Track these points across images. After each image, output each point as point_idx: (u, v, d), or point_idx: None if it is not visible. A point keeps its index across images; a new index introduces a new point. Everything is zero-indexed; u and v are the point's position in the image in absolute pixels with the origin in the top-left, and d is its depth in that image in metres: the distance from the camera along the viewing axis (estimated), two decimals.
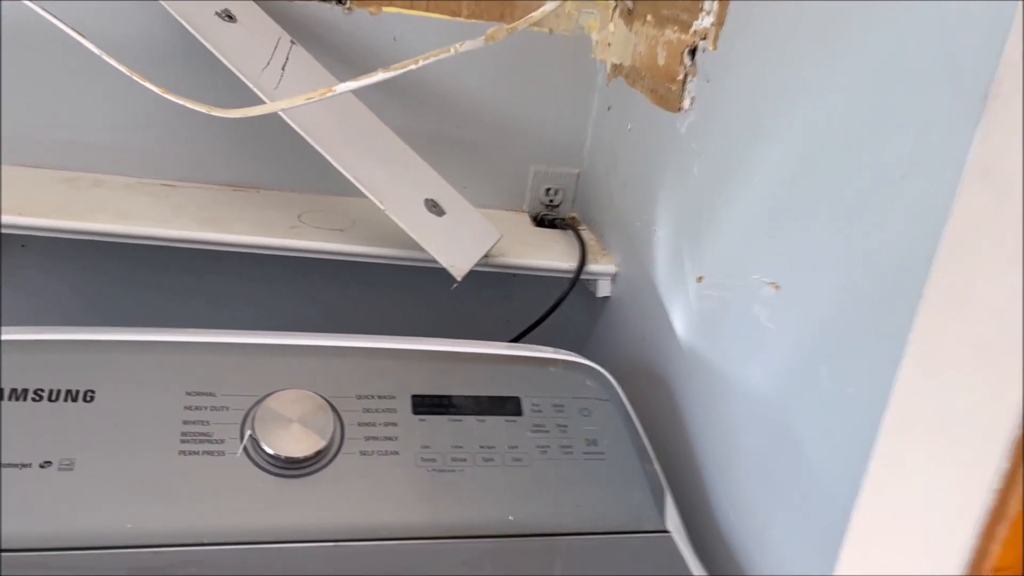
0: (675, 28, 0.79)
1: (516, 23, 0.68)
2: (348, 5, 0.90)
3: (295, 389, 0.60)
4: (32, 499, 0.52)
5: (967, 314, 0.44)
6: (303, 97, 0.68)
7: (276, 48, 0.82)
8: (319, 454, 0.58)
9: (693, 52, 0.76)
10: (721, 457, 0.67)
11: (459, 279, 0.78)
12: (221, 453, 0.57)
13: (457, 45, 0.69)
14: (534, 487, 0.61)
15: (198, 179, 0.93)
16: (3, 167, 0.87)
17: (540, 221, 1.03)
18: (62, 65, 0.86)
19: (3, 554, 0.49)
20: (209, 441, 0.57)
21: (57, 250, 0.91)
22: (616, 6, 0.95)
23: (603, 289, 0.91)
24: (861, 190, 0.51)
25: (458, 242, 0.81)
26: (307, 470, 0.57)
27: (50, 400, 0.56)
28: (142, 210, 0.83)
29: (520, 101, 0.98)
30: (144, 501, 0.54)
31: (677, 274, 0.76)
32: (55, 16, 0.70)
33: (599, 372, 0.69)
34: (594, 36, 0.97)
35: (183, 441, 0.57)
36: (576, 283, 0.88)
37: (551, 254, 0.91)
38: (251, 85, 0.77)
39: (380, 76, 0.68)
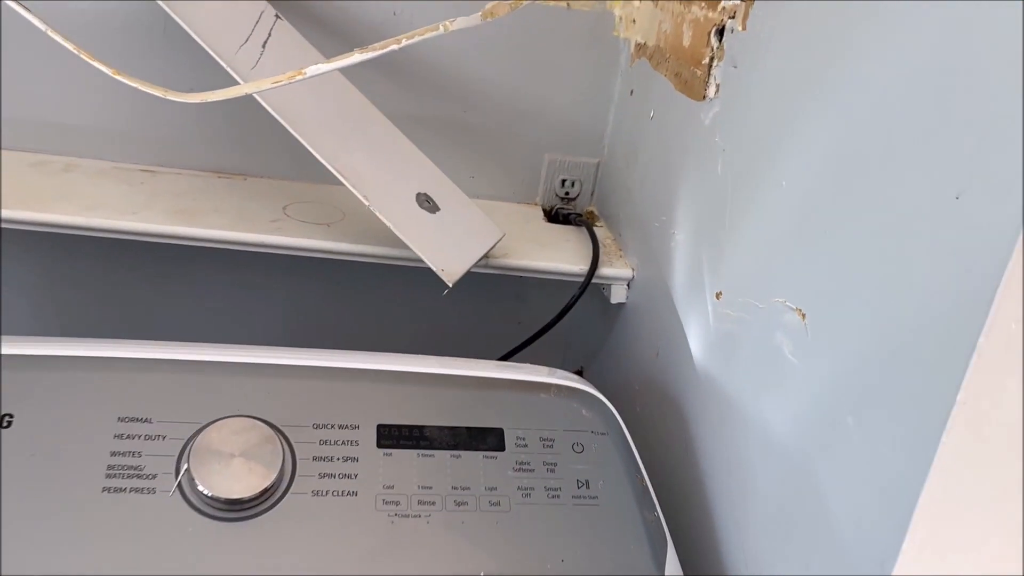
0: (702, 4, 0.69)
1: None
2: None
3: (240, 417, 0.53)
4: None
5: None
6: (269, 80, 0.60)
7: (257, 23, 0.74)
8: (264, 494, 0.50)
9: (721, 33, 0.66)
10: (734, 499, 0.58)
11: (451, 284, 0.70)
12: (152, 491, 0.50)
13: (448, 22, 0.60)
14: (513, 537, 0.53)
15: (179, 164, 0.86)
16: None
17: (554, 216, 0.94)
18: (32, 40, 0.79)
19: None
20: (139, 476, 0.50)
21: (16, 241, 0.85)
22: None
23: (617, 295, 0.82)
24: (908, 208, 0.42)
25: (452, 242, 0.73)
26: (249, 512, 0.50)
27: None
28: (112, 199, 0.76)
29: (534, 83, 0.89)
30: (57, 547, 0.47)
31: (695, 286, 0.66)
32: None
33: (598, 400, 0.61)
34: (617, 11, 0.87)
35: (109, 476, 0.49)
36: (586, 289, 0.79)
37: (561, 255, 0.82)
38: (224, 64, 0.69)
39: (357, 57, 0.60)
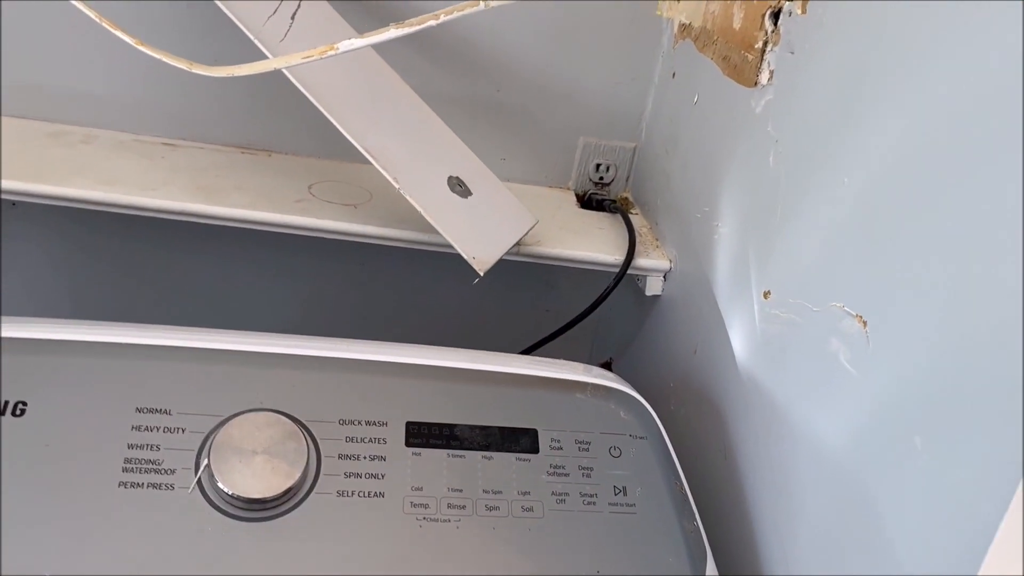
0: None
1: None
2: None
3: (263, 411, 0.50)
4: None
5: None
6: (299, 55, 0.57)
7: None
8: (287, 493, 0.48)
9: (776, 16, 0.62)
10: (779, 516, 0.55)
11: (482, 273, 0.67)
12: (170, 487, 0.47)
13: None
14: (546, 545, 0.50)
15: (203, 138, 0.83)
16: None
17: (587, 201, 0.90)
18: (53, 6, 0.76)
19: None
20: (157, 471, 0.48)
21: (30, 215, 0.82)
22: None
23: (653, 287, 0.79)
24: (986, 209, 0.38)
25: (484, 229, 0.70)
26: (271, 512, 0.48)
27: None
28: (130, 174, 0.73)
29: (570, 62, 0.85)
30: (70, 544, 0.44)
31: (740, 283, 0.63)
32: None
33: (636, 401, 0.58)
34: None
35: (126, 470, 0.47)
36: (621, 280, 0.76)
37: (595, 243, 0.79)
38: (251, 36, 0.66)
39: (392, 33, 0.56)
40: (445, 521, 0.50)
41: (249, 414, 0.50)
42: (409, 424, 0.53)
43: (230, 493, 0.46)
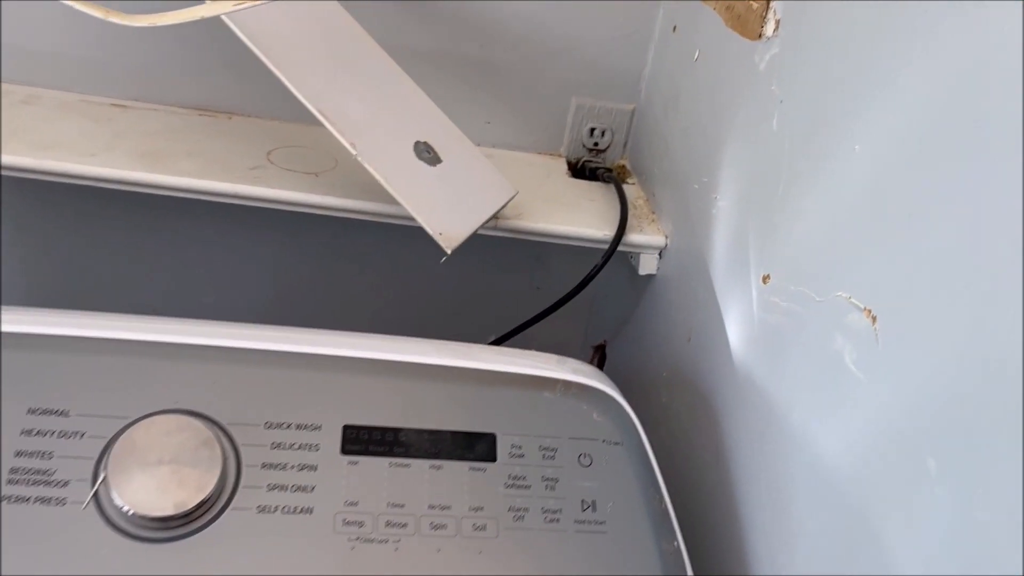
0: None
1: None
2: None
3: (175, 413, 0.44)
4: None
5: None
6: (232, 3, 0.50)
7: None
8: (197, 509, 0.41)
9: None
10: (773, 533, 0.48)
11: (449, 251, 0.60)
12: (62, 502, 0.41)
13: None
14: (498, 569, 0.43)
15: (157, 99, 0.76)
16: None
17: (580, 169, 0.83)
18: None
19: None
20: (48, 483, 0.41)
21: None
22: None
23: (647, 265, 0.72)
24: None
25: (454, 201, 0.63)
26: (178, 532, 0.41)
27: None
28: (70, 138, 0.66)
29: (562, 15, 0.77)
30: None
31: (738, 265, 0.56)
32: None
33: (613, 401, 0.51)
34: None
35: (11, 482, 0.41)
36: (609, 259, 0.69)
37: (583, 217, 0.72)
38: None
39: None
40: (382, 542, 0.43)
41: (158, 416, 0.43)
42: (347, 428, 0.46)
43: (128, 510, 0.40)
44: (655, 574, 0.45)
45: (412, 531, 0.44)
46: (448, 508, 0.45)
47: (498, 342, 0.76)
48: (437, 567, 0.43)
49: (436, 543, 0.43)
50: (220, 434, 0.44)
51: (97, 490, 0.41)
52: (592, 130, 0.82)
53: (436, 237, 0.60)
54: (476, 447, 0.47)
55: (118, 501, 0.40)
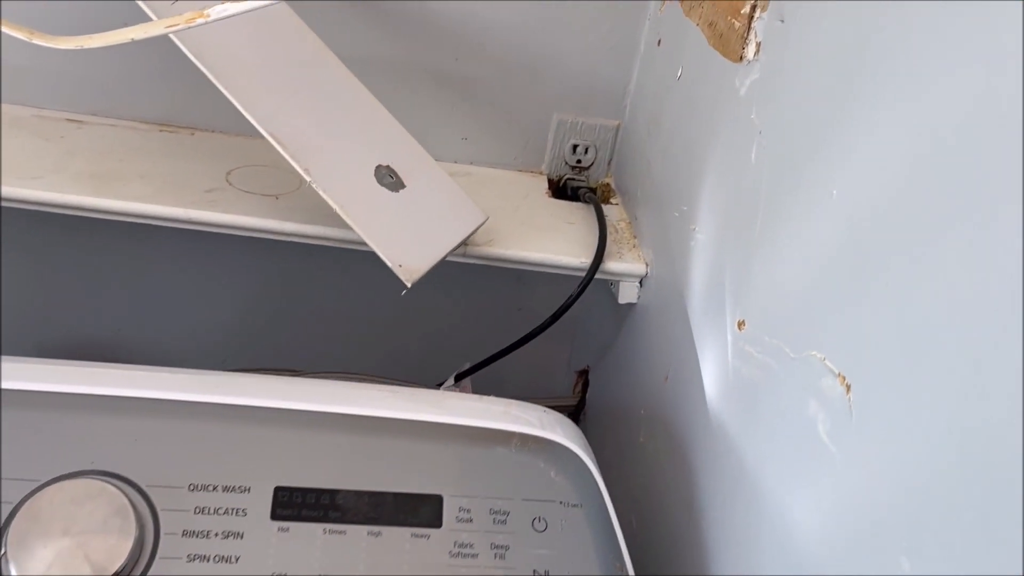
0: None
1: None
2: None
3: (89, 476, 0.40)
4: None
5: None
6: (162, 23, 0.46)
7: None
8: None
9: None
10: None
11: (409, 284, 0.56)
12: None
13: None
14: None
15: (116, 114, 0.73)
16: None
17: (562, 188, 0.79)
18: None
19: None
20: None
21: None
22: None
23: (627, 294, 0.68)
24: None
25: (417, 229, 0.59)
26: None
27: None
28: (17, 158, 0.63)
29: (543, 26, 0.73)
30: None
31: (714, 305, 0.52)
32: None
33: (575, 456, 0.47)
34: None
35: None
36: (586, 288, 0.65)
37: (560, 242, 0.68)
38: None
39: None
40: None
41: (68, 481, 0.40)
42: (278, 490, 0.42)
43: None
44: None
45: None
46: None
47: (476, 369, 0.72)
48: None
49: None
50: (138, 498, 0.40)
51: None
52: (575, 147, 0.78)
53: (396, 269, 0.56)
54: (420, 511, 0.43)
55: None
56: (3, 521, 0.39)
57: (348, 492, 0.43)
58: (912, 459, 0.31)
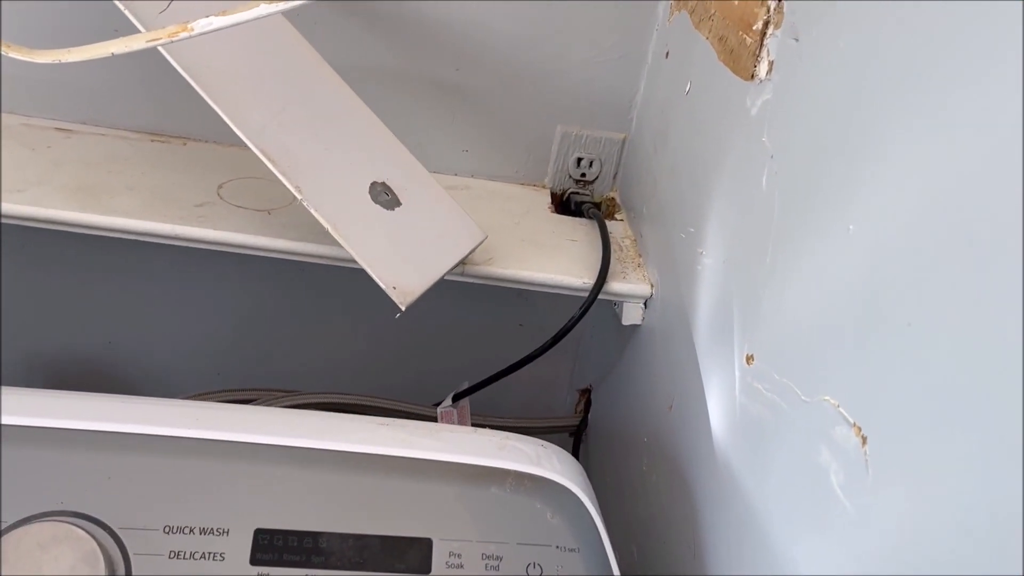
0: None
1: None
2: None
3: (57, 518, 0.38)
4: None
5: None
6: (143, 38, 0.44)
7: None
8: None
9: None
10: None
11: (403, 307, 0.54)
12: None
13: None
14: None
15: (107, 122, 0.70)
16: None
17: (566, 202, 0.76)
18: None
19: None
20: None
21: None
22: None
23: (631, 315, 0.65)
24: None
25: (413, 249, 0.57)
26: None
27: None
28: (2, 169, 0.61)
29: (547, 35, 0.70)
30: None
31: (722, 335, 0.49)
32: None
33: (573, 497, 0.45)
34: None
35: None
36: (588, 309, 0.62)
37: (561, 261, 0.65)
38: (120, 5, 0.53)
39: (263, 8, 0.43)
40: None
41: (35, 524, 0.38)
42: (259, 533, 0.40)
43: None
44: None
45: None
46: None
47: (474, 390, 0.70)
48: None
49: None
50: (110, 541, 0.38)
51: None
52: (579, 160, 0.76)
53: (389, 292, 0.54)
54: (408, 555, 0.41)
55: None
56: None
57: (332, 535, 0.41)
58: (933, 526, 0.29)
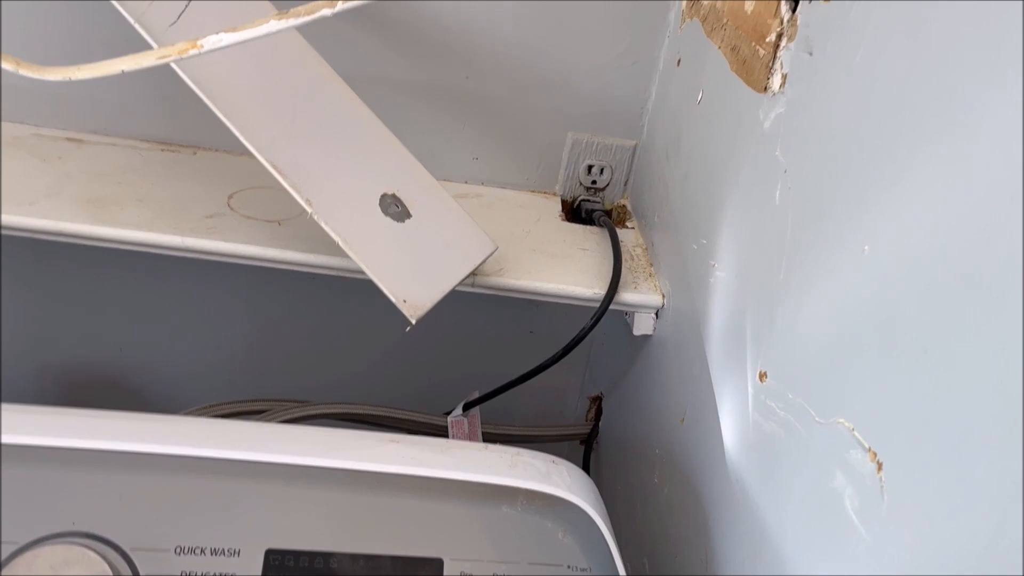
0: None
1: None
2: None
3: (69, 539, 0.38)
4: None
5: None
6: (153, 55, 0.44)
7: None
8: None
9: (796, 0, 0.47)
10: None
11: (413, 321, 0.54)
12: None
13: None
14: None
15: (117, 132, 0.70)
16: None
17: (576, 209, 0.76)
18: None
19: None
20: None
21: None
22: None
23: (642, 325, 0.65)
24: None
25: (423, 261, 0.56)
26: None
27: None
28: (11, 181, 0.61)
29: (557, 41, 0.70)
30: None
31: (734, 350, 0.49)
32: None
33: (584, 515, 0.44)
34: None
35: None
36: (600, 319, 0.62)
37: (572, 271, 0.65)
38: (130, 18, 0.53)
39: (272, 26, 0.43)
40: None
41: (46, 547, 0.38)
42: (270, 553, 0.40)
43: None
44: None
45: None
46: None
47: (485, 399, 0.69)
48: None
49: None
50: (121, 562, 0.38)
51: None
52: (590, 167, 0.75)
53: (400, 305, 0.54)
54: (419, 575, 0.41)
55: None
56: None
57: (343, 555, 0.41)
58: (949, 559, 0.29)
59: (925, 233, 0.32)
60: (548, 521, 0.44)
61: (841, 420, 0.36)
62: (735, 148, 0.52)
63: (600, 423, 0.80)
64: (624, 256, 0.67)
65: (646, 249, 0.70)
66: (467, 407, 0.70)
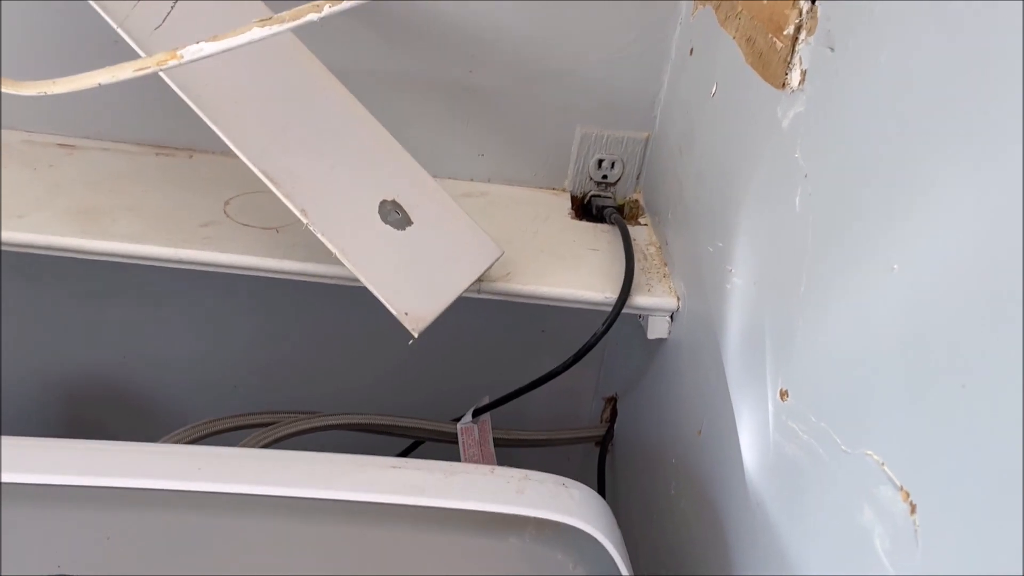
0: None
1: None
2: None
3: None
4: None
5: None
6: (130, 67, 0.41)
7: None
8: None
9: None
10: None
11: (416, 334, 0.52)
12: None
13: None
14: None
15: (110, 136, 0.68)
16: None
17: (587, 206, 0.73)
18: None
19: None
20: None
21: None
22: None
23: (656, 329, 0.62)
24: None
25: (425, 271, 0.54)
26: None
27: None
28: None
29: (564, 33, 0.67)
30: None
31: (754, 363, 0.46)
32: None
33: (596, 543, 0.42)
34: None
35: None
36: (612, 324, 0.59)
37: (582, 274, 0.62)
38: (113, 24, 0.50)
39: (256, 33, 0.40)
40: None
41: None
42: None
43: None
44: None
45: None
46: None
47: (495, 405, 0.67)
48: None
49: None
50: None
51: None
52: (600, 161, 0.72)
53: (401, 318, 0.51)
54: None
55: None
56: None
57: None
58: None
59: (960, 252, 0.29)
60: (559, 552, 0.41)
61: (869, 452, 0.34)
62: (752, 147, 0.49)
63: (615, 425, 0.78)
64: (637, 255, 0.64)
65: (660, 248, 0.67)
66: (477, 413, 0.68)
